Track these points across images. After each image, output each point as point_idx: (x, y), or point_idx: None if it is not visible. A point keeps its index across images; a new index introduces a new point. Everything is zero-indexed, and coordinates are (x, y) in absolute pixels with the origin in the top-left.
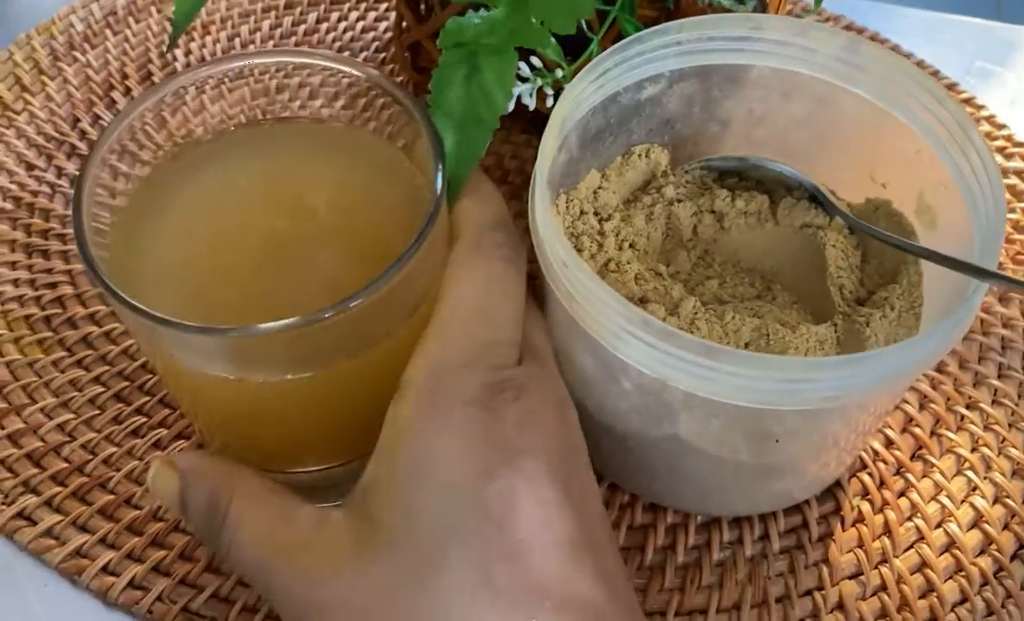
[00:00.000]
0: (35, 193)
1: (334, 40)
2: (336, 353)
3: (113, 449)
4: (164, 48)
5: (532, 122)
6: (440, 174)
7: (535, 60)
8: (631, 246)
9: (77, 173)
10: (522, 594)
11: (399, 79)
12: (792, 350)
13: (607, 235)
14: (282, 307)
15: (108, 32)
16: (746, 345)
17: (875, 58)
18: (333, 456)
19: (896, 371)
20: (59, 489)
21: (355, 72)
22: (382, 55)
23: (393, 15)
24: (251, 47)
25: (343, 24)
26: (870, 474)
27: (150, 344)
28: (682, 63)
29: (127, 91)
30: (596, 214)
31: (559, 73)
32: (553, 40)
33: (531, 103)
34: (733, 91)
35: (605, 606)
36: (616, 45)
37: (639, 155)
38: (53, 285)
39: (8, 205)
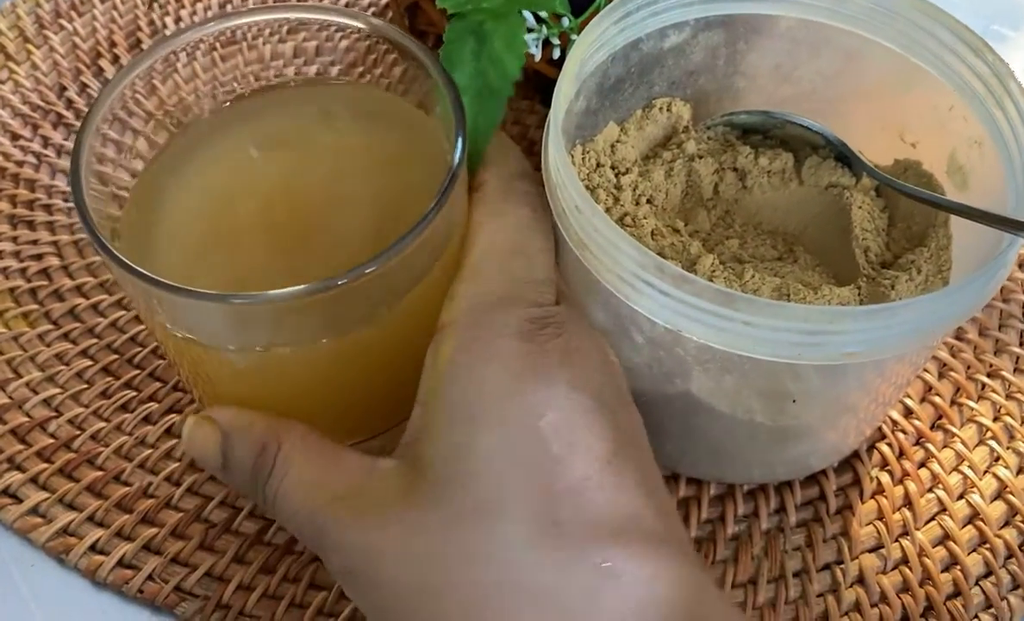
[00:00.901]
0: (20, 163)
1: (330, 3)
2: (352, 321)
3: (101, 424)
4: (152, 15)
5: (535, 87)
6: (461, 135)
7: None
8: (648, 202)
9: (63, 143)
10: (590, 532)
11: None
12: None
13: (624, 189)
14: (299, 275)
15: None
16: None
17: (908, 8)
18: (352, 432)
19: (924, 325)
20: (45, 466)
21: (361, 25)
22: (379, 19)
23: None
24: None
25: None
26: (889, 444)
27: (166, 318)
28: (708, 11)
29: (115, 59)
30: (613, 167)
31: (566, 22)
32: None
33: (537, 53)
34: (760, 43)
35: (667, 538)
36: None
37: (660, 108)
38: (39, 257)
39: None
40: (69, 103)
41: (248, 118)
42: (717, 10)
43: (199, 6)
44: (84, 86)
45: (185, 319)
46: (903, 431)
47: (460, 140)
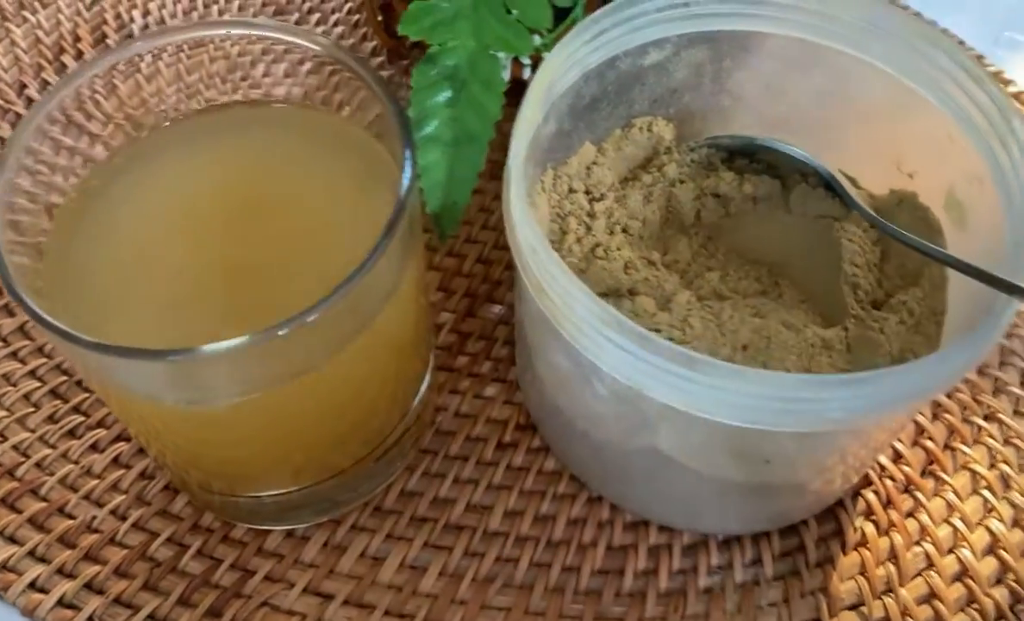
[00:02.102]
0: None
1: (304, 1)
2: (296, 366)
3: (47, 451)
4: (119, 8)
5: (516, 93)
6: (408, 164)
7: None
8: (624, 230)
9: None
10: None
11: (373, 44)
12: (795, 356)
13: (597, 217)
14: (238, 321)
15: None
16: (744, 348)
17: (903, 29)
18: (307, 475)
19: (907, 394)
20: None
21: (313, 46)
22: (355, 17)
23: None
24: (214, 8)
25: None
26: (875, 492)
27: (87, 371)
28: (691, 27)
29: (79, 55)
30: (588, 193)
31: (537, 40)
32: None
33: (505, 75)
34: (747, 61)
35: None
36: (615, 3)
37: (640, 128)
38: None
39: None
40: (29, 101)
41: (185, 143)
42: (701, 26)
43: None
44: (45, 83)
45: (117, 376)
46: (891, 478)
47: (408, 170)
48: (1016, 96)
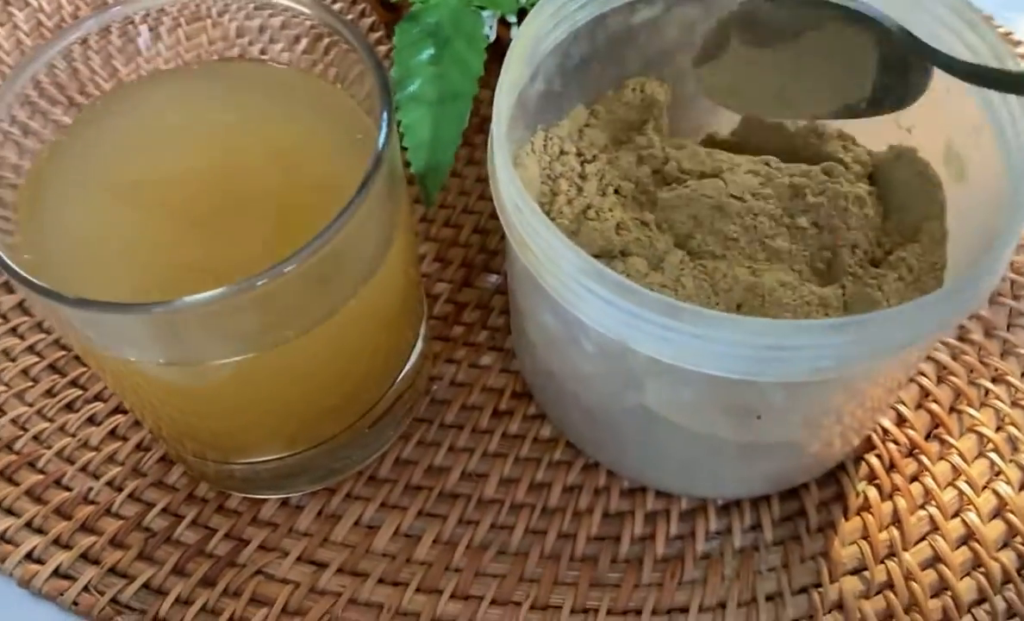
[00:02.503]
0: None
1: None
2: (279, 327)
3: (45, 425)
4: None
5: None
6: (385, 117)
7: None
8: (616, 191)
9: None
10: None
11: (371, 19)
12: (790, 314)
13: (588, 178)
14: (215, 276)
15: None
16: (738, 307)
17: None
18: (300, 441)
19: (903, 338)
20: None
21: (304, 10)
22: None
23: None
24: None
25: None
26: (878, 456)
27: (69, 329)
28: None
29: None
30: (579, 154)
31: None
32: None
33: (491, 34)
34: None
35: None
36: None
37: (633, 89)
38: None
39: None
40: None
41: (166, 96)
42: None
43: None
44: None
45: (103, 335)
46: (894, 441)
47: (385, 122)
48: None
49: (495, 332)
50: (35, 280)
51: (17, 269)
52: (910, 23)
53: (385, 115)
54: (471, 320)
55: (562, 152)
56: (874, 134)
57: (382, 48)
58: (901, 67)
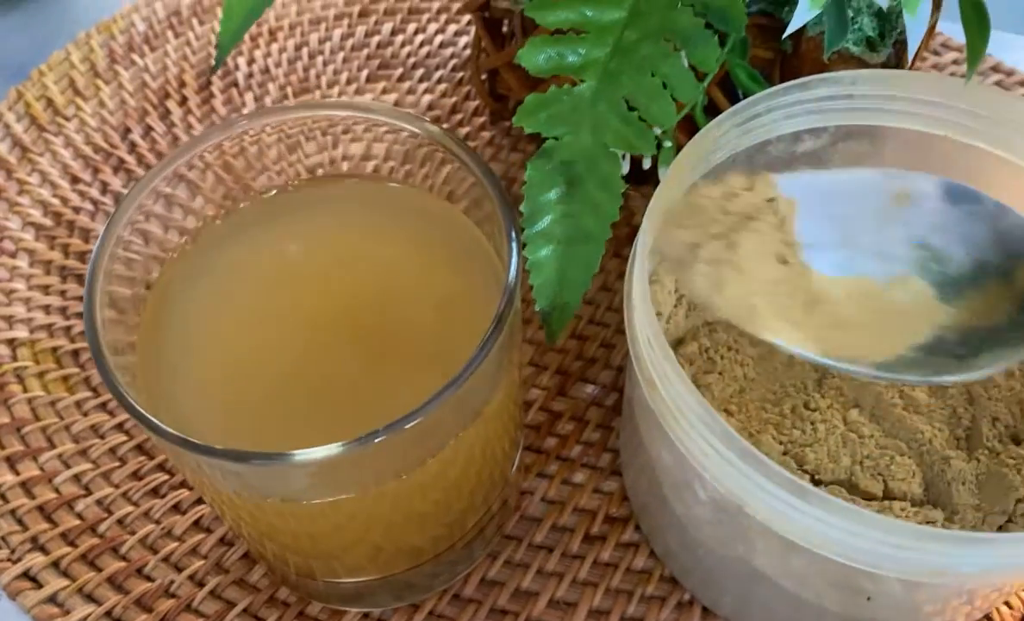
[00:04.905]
0: (77, 209)
1: (409, 55)
2: (389, 471)
3: (130, 508)
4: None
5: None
6: (514, 256)
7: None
8: None
9: (122, 190)
10: None
11: (475, 103)
12: (918, 485)
13: None
14: (330, 421)
15: (170, 33)
16: (862, 462)
17: None
18: (391, 566)
19: None
20: (68, 549)
21: (417, 130)
22: (459, 75)
23: (473, 31)
24: (319, 58)
25: (420, 37)
26: (990, 619)
27: (177, 457)
28: (851, 119)
29: (183, 100)
30: None
31: (658, 130)
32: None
33: (624, 167)
34: (915, 162)
35: None
36: (774, 88)
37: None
38: None
39: (48, 221)
40: (132, 146)
41: (281, 218)
42: (859, 120)
43: (274, 47)
44: (149, 129)
45: (212, 472)
46: (1008, 604)
47: (513, 264)
48: None
49: (589, 448)
50: (158, 422)
51: (137, 407)
52: None
53: (514, 254)
54: (565, 432)
55: None
56: None
57: (485, 134)
58: None
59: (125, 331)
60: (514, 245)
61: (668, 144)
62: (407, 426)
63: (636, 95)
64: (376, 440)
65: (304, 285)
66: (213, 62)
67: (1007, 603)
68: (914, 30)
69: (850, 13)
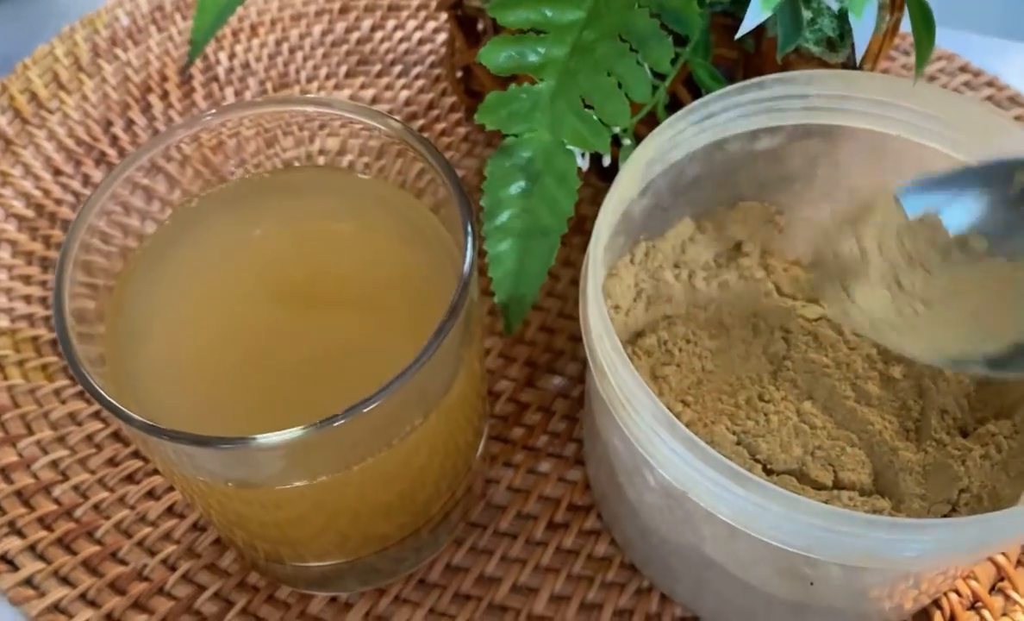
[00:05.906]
0: (59, 201)
1: (388, 52)
2: (350, 455)
3: (105, 494)
4: (206, 50)
5: (599, 173)
6: (469, 249)
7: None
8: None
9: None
10: None
11: (452, 100)
12: (867, 474)
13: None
14: (294, 403)
15: (153, 28)
16: (813, 453)
17: None
18: (357, 549)
19: (969, 546)
20: (44, 533)
21: (383, 128)
22: (437, 71)
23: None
24: (299, 53)
25: (399, 33)
26: (939, 606)
27: (144, 443)
28: (806, 119)
29: (164, 95)
30: (676, 266)
31: (615, 128)
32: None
33: (584, 164)
34: (868, 160)
35: None
36: (728, 88)
37: (744, 210)
38: None
39: (30, 213)
40: (114, 140)
41: (245, 204)
42: (814, 119)
43: (255, 42)
44: (131, 122)
45: (177, 457)
46: (956, 591)
47: (468, 253)
48: None
49: (555, 438)
50: (117, 404)
51: (102, 393)
52: None
53: (469, 246)
54: (532, 422)
55: (660, 267)
56: None
57: (461, 130)
58: None
59: (97, 319)
60: (470, 238)
61: (628, 142)
62: (364, 410)
63: (592, 94)
64: (335, 424)
65: (271, 271)
66: (204, 63)
67: (956, 591)
68: (860, 31)
69: (810, 14)
